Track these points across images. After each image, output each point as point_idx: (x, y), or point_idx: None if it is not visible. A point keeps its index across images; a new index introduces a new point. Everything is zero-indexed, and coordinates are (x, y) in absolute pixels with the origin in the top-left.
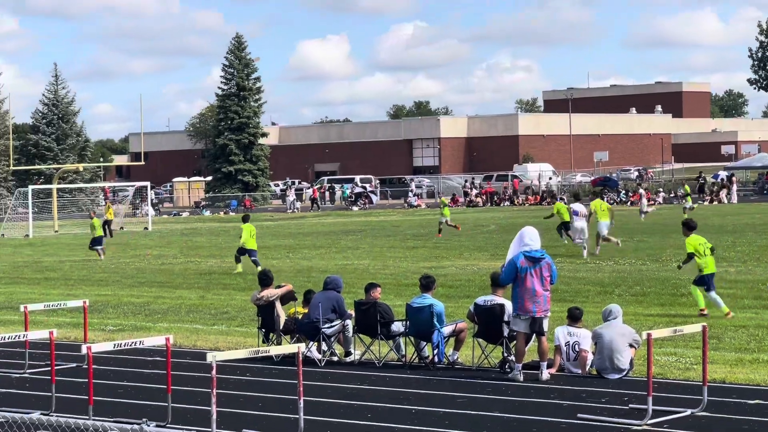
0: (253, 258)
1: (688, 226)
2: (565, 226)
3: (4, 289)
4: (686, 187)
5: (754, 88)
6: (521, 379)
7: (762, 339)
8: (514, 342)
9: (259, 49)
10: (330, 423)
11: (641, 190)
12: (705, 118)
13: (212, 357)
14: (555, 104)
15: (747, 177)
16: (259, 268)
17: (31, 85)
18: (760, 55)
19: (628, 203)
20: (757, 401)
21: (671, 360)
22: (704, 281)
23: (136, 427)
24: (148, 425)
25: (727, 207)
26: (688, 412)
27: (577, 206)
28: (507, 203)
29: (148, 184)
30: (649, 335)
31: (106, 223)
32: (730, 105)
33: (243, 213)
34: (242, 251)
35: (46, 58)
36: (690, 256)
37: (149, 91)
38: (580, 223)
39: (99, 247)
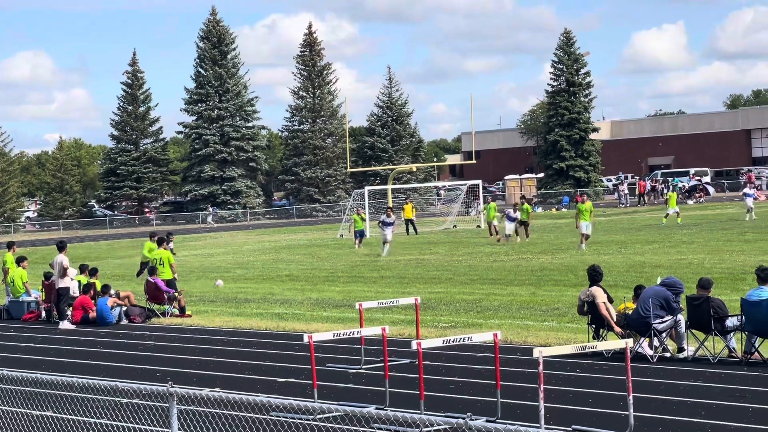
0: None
1: None
2: None
3: (342, 288)
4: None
5: None
6: None
7: None
8: None
9: (592, 42)
10: (662, 420)
11: None
12: None
13: (539, 353)
14: None
15: None
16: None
17: (368, 89)
18: None
19: None
20: None
21: None
22: None
23: (461, 421)
24: (473, 419)
25: None
26: None
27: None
28: None
29: (479, 182)
30: None
31: (409, 222)
32: None
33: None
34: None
35: (381, 61)
36: None
37: (482, 90)
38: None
39: (358, 239)
